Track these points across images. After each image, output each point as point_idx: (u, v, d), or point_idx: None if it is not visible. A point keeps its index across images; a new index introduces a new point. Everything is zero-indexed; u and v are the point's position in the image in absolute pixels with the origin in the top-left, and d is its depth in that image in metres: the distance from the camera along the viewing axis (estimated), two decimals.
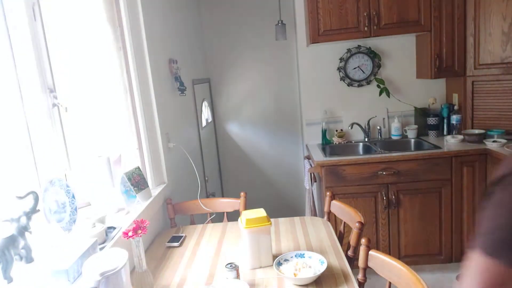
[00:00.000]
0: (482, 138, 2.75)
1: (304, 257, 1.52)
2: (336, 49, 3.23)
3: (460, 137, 2.84)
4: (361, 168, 2.69)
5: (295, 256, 1.53)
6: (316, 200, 3.06)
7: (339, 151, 3.15)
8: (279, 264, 1.49)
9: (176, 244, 1.81)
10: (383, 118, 3.30)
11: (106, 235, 1.49)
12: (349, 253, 1.74)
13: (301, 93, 3.37)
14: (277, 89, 3.82)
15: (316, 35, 2.87)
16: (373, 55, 3.19)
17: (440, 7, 2.79)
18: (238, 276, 1.43)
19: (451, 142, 2.85)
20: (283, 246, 1.71)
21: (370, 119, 3.25)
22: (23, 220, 1.20)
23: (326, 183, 2.72)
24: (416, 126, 3.17)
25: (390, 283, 1.39)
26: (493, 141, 2.64)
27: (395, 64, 3.23)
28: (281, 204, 4.00)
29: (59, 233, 1.28)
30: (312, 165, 2.89)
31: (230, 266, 1.43)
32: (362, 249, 1.48)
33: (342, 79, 3.26)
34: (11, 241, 1.14)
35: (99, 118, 1.90)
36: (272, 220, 1.91)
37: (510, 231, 0.60)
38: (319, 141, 3.33)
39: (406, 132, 3.19)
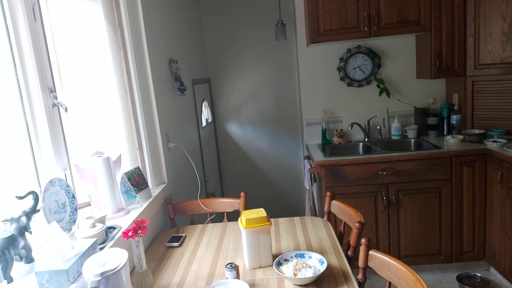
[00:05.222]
0: (482, 138, 2.75)
1: (304, 257, 1.53)
2: (336, 49, 3.23)
3: (460, 137, 2.84)
4: (361, 168, 2.69)
5: (295, 256, 1.53)
6: (316, 200, 3.06)
7: (339, 151, 3.15)
8: (279, 264, 1.49)
9: (176, 244, 1.82)
10: (383, 118, 3.30)
11: (106, 235, 1.49)
12: (349, 253, 1.74)
13: (301, 93, 3.37)
14: (277, 89, 3.82)
15: (316, 35, 2.87)
16: (373, 55, 3.19)
17: (440, 7, 2.79)
18: (238, 276, 1.43)
19: (451, 142, 2.85)
20: (283, 246, 1.71)
21: (370, 119, 3.25)
22: (23, 220, 1.20)
23: (326, 183, 2.72)
24: (416, 126, 3.17)
25: (390, 283, 1.39)
26: (493, 141, 2.64)
27: (395, 64, 3.23)
28: (281, 204, 4.00)
29: (59, 233, 1.28)
30: (312, 165, 2.89)
31: (230, 266, 1.43)
32: (362, 249, 1.48)
33: (342, 79, 3.26)
34: (11, 241, 1.14)
35: (99, 118, 1.90)
36: (272, 220, 1.92)
37: None
38: (319, 141, 3.33)
39: (406, 132, 3.19)
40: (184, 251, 1.75)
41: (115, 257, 1.16)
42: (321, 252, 1.62)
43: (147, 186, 1.94)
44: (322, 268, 1.42)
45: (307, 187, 3.05)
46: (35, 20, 1.46)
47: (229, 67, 3.79)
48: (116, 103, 1.95)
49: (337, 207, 1.95)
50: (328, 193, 2.04)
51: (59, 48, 1.67)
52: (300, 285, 1.39)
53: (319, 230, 1.86)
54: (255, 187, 3.95)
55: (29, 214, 1.21)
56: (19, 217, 1.20)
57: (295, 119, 3.87)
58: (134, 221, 1.39)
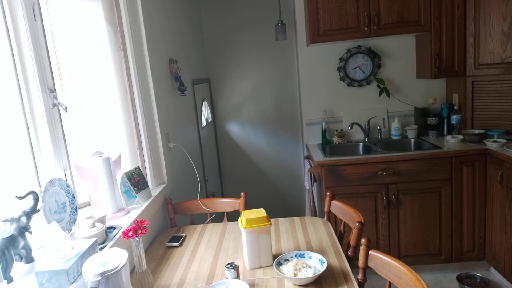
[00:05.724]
0: (482, 138, 2.75)
1: (304, 257, 1.53)
2: (336, 49, 3.23)
3: (460, 137, 2.84)
4: (361, 168, 2.69)
5: (295, 256, 1.53)
6: (316, 200, 3.06)
7: (339, 151, 3.15)
8: (279, 264, 1.49)
9: (176, 244, 1.82)
10: (383, 118, 3.30)
11: (106, 235, 1.49)
12: (349, 253, 1.74)
13: (301, 93, 3.37)
14: (277, 89, 3.82)
15: (316, 35, 2.87)
16: (373, 55, 3.19)
17: (440, 7, 2.79)
18: (238, 276, 1.43)
19: (451, 142, 2.85)
20: (283, 246, 1.71)
21: (370, 119, 3.25)
22: (23, 220, 1.20)
23: (326, 183, 2.72)
24: (416, 126, 3.17)
25: (390, 283, 1.39)
26: (493, 141, 2.64)
27: (395, 64, 3.23)
28: (281, 204, 4.00)
29: (59, 233, 1.28)
30: (312, 165, 2.89)
31: (230, 266, 1.43)
32: (362, 249, 1.48)
33: (342, 79, 3.26)
34: (11, 241, 1.14)
35: (99, 118, 1.90)
36: (272, 220, 1.92)
37: None
38: (319, 141, 3.33)
39: (406, 132, 3.19)
40: (184, 251, 1.75)
41: (115, 257, 1.16)
42: (321, 252, 1.62)
43: (147, 186, 1.94)
44: (322, 268, 1.42)
45: (307, 187, 3.05)
46: (35, 20, 1.46)
47: (229, 67, 3.79)
48: (116, 103, 1.95)
49: (337, 207, 1.95)
50: (328, 193, 2.04)
51: (59, 48, 1.67)
52: (300, 285, 1.39)
53: (319, 230, 1.86)
54: (255, 187, 3.95)
55: (29, 214, 1.21)
56: (19, 217, 1.20)
57: (295, 119, 3.87)
58: (134, 221, 1.39)
